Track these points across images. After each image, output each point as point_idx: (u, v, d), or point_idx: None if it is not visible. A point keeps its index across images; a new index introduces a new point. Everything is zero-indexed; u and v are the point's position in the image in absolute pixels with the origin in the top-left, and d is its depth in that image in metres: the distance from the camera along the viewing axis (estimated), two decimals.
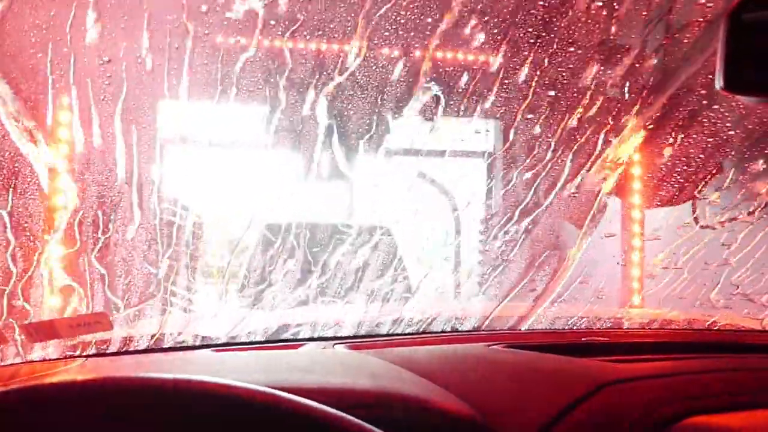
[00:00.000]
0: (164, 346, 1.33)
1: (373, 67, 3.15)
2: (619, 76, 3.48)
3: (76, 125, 2.43)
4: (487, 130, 4.37)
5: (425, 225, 3.89)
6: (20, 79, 2.13)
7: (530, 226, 3.45)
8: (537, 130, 3.45)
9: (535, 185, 3.67)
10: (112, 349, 1.22)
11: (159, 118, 3.25)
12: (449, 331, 1.45)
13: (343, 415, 0.55)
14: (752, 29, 0.80)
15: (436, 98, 3.31)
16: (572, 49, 3.29)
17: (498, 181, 4.27)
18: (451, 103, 3.39)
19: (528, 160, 3.59)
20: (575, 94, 3.41)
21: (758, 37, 0.81)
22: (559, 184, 3.53)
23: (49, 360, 1.13)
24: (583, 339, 1.35)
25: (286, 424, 0.54)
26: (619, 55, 3.34)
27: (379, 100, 3.41)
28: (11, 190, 2.08)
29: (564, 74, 3.33)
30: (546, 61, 3.27)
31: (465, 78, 3.31)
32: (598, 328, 1.61)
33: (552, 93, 3.37)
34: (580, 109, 3.40)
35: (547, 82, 3.33)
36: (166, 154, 3.86)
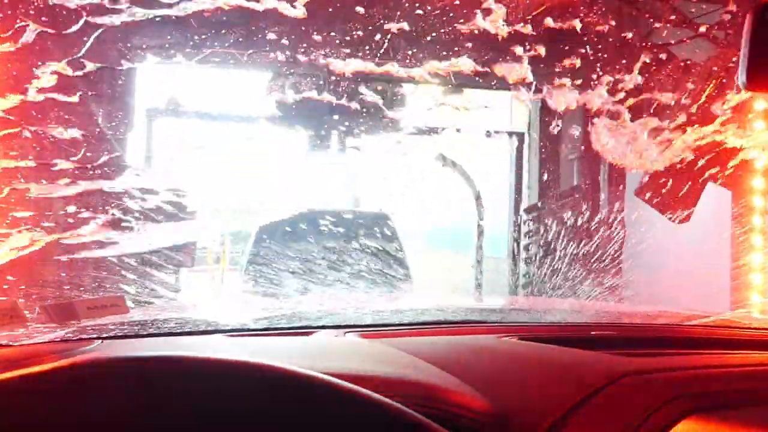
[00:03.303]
0: (178, 331, 1.34)
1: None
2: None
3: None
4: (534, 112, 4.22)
5: (443, 213, 3.81)
6: None
7: (570, 219, 3.25)
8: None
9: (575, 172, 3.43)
10: (128, 332, 1.23)
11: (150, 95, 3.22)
12: (460, 322, 1.45)
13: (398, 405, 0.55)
14: None
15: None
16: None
17: (534, 168, 4.09)
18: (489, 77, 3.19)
19: (579, 143, 3.36)
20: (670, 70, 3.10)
21: None
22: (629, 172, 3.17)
23: (66, 341, 1.14)
24: (592, 333, 1.35)
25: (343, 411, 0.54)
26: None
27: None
28: None
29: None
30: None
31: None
32: (607, 323, 1.61)
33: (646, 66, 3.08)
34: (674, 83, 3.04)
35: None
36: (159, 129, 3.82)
